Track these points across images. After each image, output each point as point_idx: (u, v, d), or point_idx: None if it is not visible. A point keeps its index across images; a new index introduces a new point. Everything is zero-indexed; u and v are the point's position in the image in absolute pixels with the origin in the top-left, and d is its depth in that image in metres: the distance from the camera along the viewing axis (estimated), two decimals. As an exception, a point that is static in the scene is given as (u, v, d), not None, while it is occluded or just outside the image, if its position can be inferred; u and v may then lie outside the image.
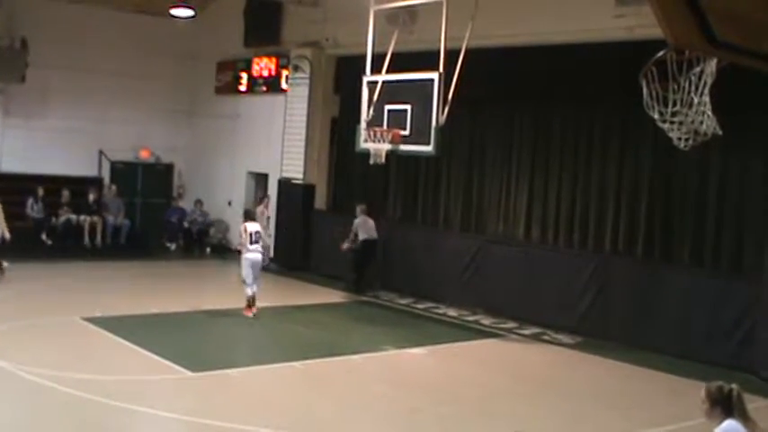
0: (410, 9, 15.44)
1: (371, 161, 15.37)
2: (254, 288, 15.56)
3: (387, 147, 15.02)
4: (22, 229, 21.22)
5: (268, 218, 20.75)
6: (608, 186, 16.34)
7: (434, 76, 14.22)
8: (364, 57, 15.52)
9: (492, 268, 17.25)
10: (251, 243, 15.51)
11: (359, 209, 19.21)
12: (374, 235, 18.88)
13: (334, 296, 18.52)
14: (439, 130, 14.26)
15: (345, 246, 18.84)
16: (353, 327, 15.92)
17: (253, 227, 15.74)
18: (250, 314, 15.57)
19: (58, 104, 23.32)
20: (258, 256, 15.62)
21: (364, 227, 18.92)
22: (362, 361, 13.29)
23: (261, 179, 23.28)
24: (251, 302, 15.58)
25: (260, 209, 20.37)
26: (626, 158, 16.11)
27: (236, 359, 12.93)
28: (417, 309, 17.53)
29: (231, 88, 24.04)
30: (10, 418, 9.74)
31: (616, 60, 14.97)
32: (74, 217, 22.10)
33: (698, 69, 8.49)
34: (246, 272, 15.53)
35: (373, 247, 19.00)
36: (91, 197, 22.59)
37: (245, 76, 23.57)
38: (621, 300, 15.26)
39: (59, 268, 19.12)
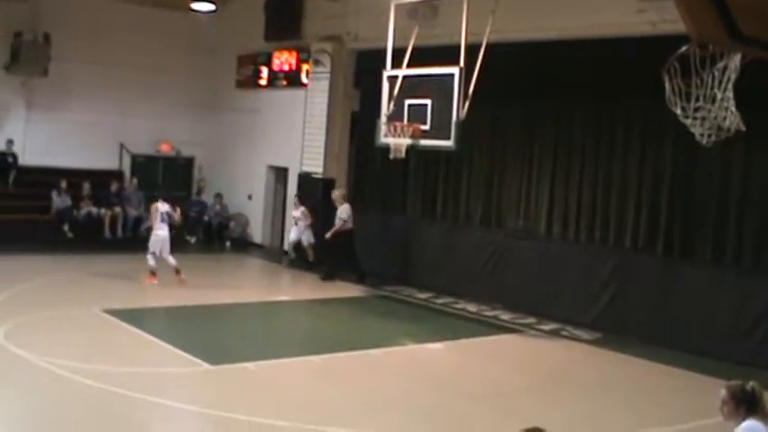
0: (431, 3, 15.40)
1: (391, 156, 15.36)
2: (155, 261, 17.24)
3: (407, 141, 15.02)
4: (45, 221, 21.42)
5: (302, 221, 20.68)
6: (629, 182, 16.24)
7: (455, 70, 14.21)
8: (385, 51, 15.51)
9: (512, 263, 17.23)
10: (160, 221, 17.31)
11: (341, 194, 19.49)
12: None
13: (354, 290, 18.51)
14: (459, 124, 14.25)
15: (330, 234, 19.16)
16: (372, 321, 15.92)
17: (163, 207, 17.53)
18: (155, 281, 17.16)
19: (79, 98, 23.44)
20: (165, 233, 17.27)
21: (349, 213, 19.20)
22: (381, 355, 13.29)
23: (281, 173, 23.31)
24: (154, 272, 17.25)
25: (301, 211, 20.43)
26: (647, 154, 16.00)
27: (254, 352, 12.93)
28: (436, 304, 17.51)
29: (252, 82, 24.09)
30: (30, 408, 9.81)
31: (638, 55, 14.86)
32: (95, 210, 22.24)
33: (721, 64, 8.40)
34: (154, 246, 17.15)
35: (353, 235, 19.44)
36: (112, 190, 22.73)
37: (265, 70, 23.61)
38: (641, 296, 15.19)
39: (80, 260, 19.20)
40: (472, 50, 14.02)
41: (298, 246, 20.63)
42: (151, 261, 17.19)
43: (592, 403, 11.55)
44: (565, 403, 11.41)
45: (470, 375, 12.67)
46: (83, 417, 9.62)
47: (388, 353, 13.52)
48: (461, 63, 14.09)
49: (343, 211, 19.19)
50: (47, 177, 22.26)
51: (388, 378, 12.15)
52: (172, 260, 17.24)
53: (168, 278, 17.23)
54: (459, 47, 14.02)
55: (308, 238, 20.39)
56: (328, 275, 19.27)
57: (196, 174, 25.60)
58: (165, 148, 24.95)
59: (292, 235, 20.70)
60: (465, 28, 13.91)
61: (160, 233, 17.25)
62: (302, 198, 20.77)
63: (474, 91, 13.96)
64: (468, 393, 11.59)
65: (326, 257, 19.54)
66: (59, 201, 21.88)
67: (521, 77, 17.17)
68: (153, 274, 17.19)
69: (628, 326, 15.16)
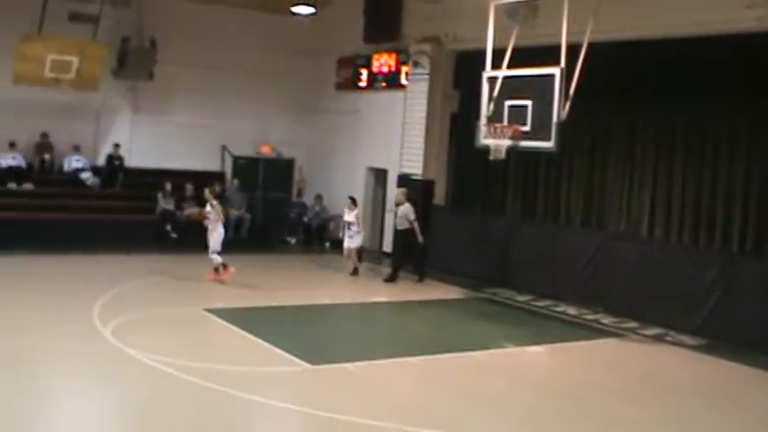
0: (531, 3, 15.27)
1: (491, 157, 15.29)
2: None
3: (507, 143, 14.93)
4: (149, 222, 21.93)
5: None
6: (736, 183, 15.83)
7: (555, 71, 14.09)
8: (484, 52, 15.46)
9: (613, 266, 16.92)
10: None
11: (402, 194, 19.42)
12: None
13: (452, 292, 18.47)
14: (560, 125, 14.09)
15: (421, 237, 19.08)
16: (471, 323, 15.84)
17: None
18: (232, 270, 17.27)
19: (183, 101, 24.01)
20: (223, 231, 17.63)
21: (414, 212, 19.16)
22: (480, 358, 13.21)
23: (380, 175, 23.38)
24: (226, 264, 17.30)
25: (355, 214, 19.68)
26: (755, 155, 15.58)
27: (354, 353, 12.99)
28: (536, 306, 17.35)
29: (351, 84, 24.24)
30: (135, 403, 10.03)
31: (744, 53, 14.49)
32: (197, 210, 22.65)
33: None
34: (220, 245, 17.31)
35: None
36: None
37: (364, 72, 23.73)
38: (749, 301, 14.74)
39: (183, 260, 19.53)
40: (573, 50, 13.86)
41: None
42: (219, 258, 17.28)
43: (696, 410, 11.27)
44: (668, 410, 11.15)
45: (571, 379, 12.49)
46: (186, 413, 9.79)
47: (488, 355, 13.43)
48: (562, 63, 13.95)
49: (410, 212, 19.14)
50: (151, 179, 22.81)
51: (488, 380, 12.07)
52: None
53: (269, 282, 17.44)
54: (559, 47, 13.88)
55: (356, 243, 19.71)
56: (422, 276, 19.30)
57: (296, 175, 25.88)
58: (265, 150, 25.30)
59: (348, 242, 19.70)
60: (566, 28, 13.76)
61: (222, 230, 17.50)
62: (355, 200, 20.17)
63: (575, 91, 13.80)
64: (568, 397, 11.45)
65: (417, 259, 19.49)
66: (164, 202, 22.39)
67: (622, 77, 16.93)
68: (225, 266, 17.26)
69: (734, 332, 14.74)
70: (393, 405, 10.54)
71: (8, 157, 21.90)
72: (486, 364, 13.00)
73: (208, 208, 17.59)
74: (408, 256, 19.37)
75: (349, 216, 19.73)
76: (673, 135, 16.94)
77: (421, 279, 19.32)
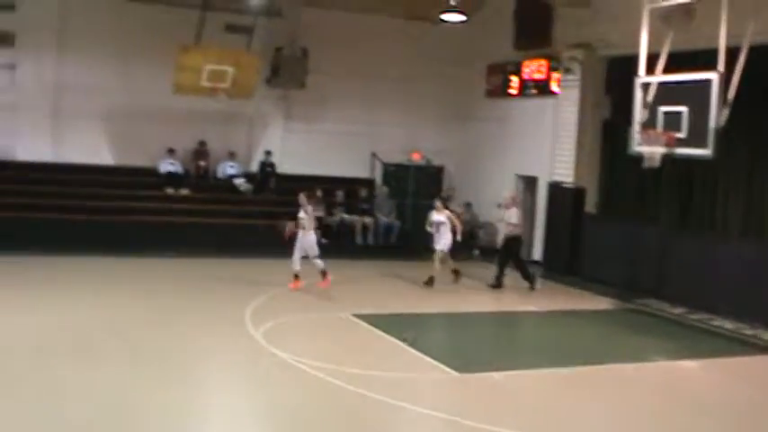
0: (686, 7, 14.82)
1: (645, 165, 14.92)
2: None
3: (661, 150, 14.53)
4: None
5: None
6: None
7: (713, 75, 13.62)
8: (637, 57, 15.10)
9: (774, 279, 16.22)
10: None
11: (511, 198, 19.31)
12: None
13: (602, 303, 18.10)
14: (717, 132, 13.62)
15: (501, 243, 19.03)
16: (622, 335, 15.49)
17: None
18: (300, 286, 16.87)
19: (334, 109, 24.42)
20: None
21: (519, 217, 18.93)
22: (630, 371, 12.89)
23: (530, 182, 23.15)
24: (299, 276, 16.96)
25: (447, 215, 18.47)
26: None
27: (501, 362, 12.92)
28: (690, 319, 16.79)
29: (501, 91, 24.09)
30: (283, 405, 10.24)
31: None
32: (347, 216, 22.96)
33: None
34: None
35: None
36: (362, 197, 23.43)
37: (515, 79, 23.55)
38: None
39: (333, 266, 19.71)
40: (731, 54, 13.38)
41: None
42: (322, 263, 16.85)
43: None
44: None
45: (726, 397, 12.04)
46: (333, 417, 9.92)
47: (638, 368, 13.09)
48: (720, 68, 13.48)
49: (513, 216, 18.83)
50: (302, 185, 23.16)
51: (639, 394, 11.75)
52: (320, 263, 16.92)
53: (417, 288, 17.49)
54: (716, 51, 13.42)
55: (444, 245, 18.30)
56: (498, 284, 18.81)
57: (446, 182, 25.88)
58: (415, 157, 25.41)
59: (442, 244, 18.32)
60: (724, 31, 13.30)
61: (315, 237, 17.05)
62: (446, 201, 19.47)
63: (734, 97, 13.32)
64: (722, 416, 11.03)
65: (500, 267, 19.00)
66: (316, 210, 22.71)
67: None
68: (297, 277, 16.96)
69: None
70: (537, 416, 10.40)
71: (167, 163, 22.78)
72: (637, 377, 12.68)
73: (302, 214, 16.93)
74: (503, 262, 18.95)
75: (439, 216, 18.40)
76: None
77: (496, 285, 18.74)
